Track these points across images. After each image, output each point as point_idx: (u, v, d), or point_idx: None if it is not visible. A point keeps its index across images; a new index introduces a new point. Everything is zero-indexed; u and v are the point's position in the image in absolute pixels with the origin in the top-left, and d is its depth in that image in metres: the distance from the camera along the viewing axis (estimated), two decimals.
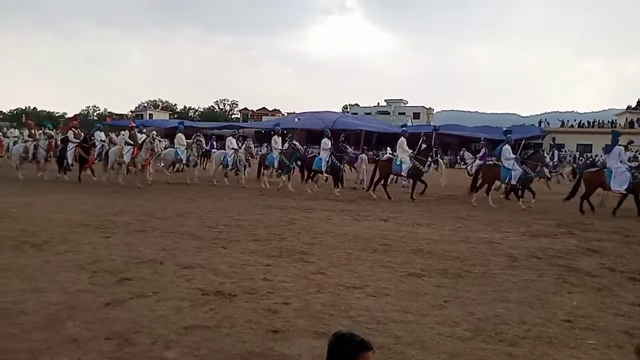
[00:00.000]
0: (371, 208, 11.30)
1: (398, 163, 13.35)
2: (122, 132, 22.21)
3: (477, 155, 21.07)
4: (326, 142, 14.44)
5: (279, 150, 15.08)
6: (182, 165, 17.11)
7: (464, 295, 4.69)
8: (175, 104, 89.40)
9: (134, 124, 16.26)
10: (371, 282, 5.02)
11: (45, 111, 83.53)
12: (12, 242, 6.17)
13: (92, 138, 15.19)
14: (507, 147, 12.53)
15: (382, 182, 13.84)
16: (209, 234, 7.31)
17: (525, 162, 12.56)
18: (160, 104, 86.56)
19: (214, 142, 22.85)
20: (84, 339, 3.39)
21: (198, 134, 17.16)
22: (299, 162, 15.51)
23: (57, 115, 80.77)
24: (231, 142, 16.31)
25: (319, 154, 15.37)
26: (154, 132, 15.24)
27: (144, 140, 14.41)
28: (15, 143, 18.69)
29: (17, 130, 21.75)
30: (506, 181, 12.63)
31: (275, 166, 15.16)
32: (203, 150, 17.62)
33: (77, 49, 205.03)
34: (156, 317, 3.86)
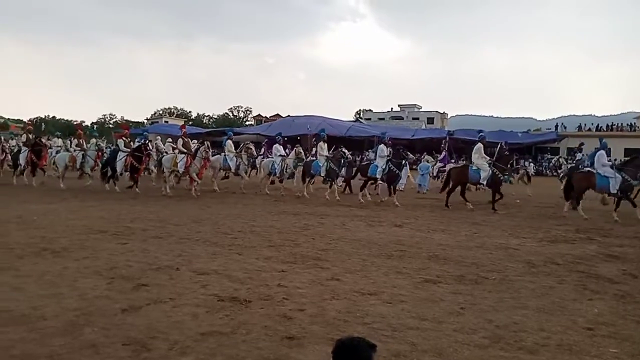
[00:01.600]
0: (385, 214, 11.24)
1: (475, 169, 12.64)
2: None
3: (438, 158, 20.65)
4: (382, 149, 13.76)
5: (326, 157, 14.44)
6: (227, 173, 16.50)
7: (481, 302, 4.63)
8: (190, 111, 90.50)
9: (185, 130, 15.51)
10: (386, 289, 4.98)
11: (63, 119, 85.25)
12: (33, 249, 6.29)
13: (148, 147, 14.69)
14: (602, 152, 11.53)
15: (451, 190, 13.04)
16: (224, 240, 7.35)
17: (623, 168, 11.44)
18: (175, 111, 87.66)
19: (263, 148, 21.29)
20: (102, 345, 3.43)
21: (247, 142, 16.56)
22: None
23: (74, 123, 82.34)
24: (278, 149, 15.59)
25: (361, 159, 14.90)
26: (208, 142, 14.62)
27: (198, 149, 13.92)
28: (58, 152, 18.34)
29: (60, 139, 21.33)
30: (605, 190, 11.51)
31: (323, 174, 14.46)
32: (254, 158, 16.96)
33: (96, 58, 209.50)
34: (172, 323, 3.89)
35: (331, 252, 6.76)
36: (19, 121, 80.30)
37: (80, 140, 16.04)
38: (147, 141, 15.61)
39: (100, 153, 15.42)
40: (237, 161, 15.52)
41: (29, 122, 24.37)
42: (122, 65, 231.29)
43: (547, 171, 36.72)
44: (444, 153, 17.80)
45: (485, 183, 12.62)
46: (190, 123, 74.50)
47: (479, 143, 13.00)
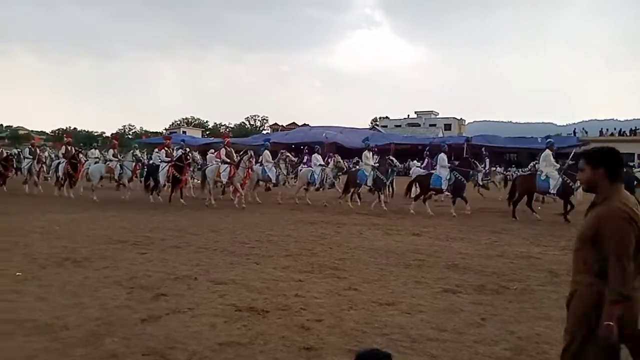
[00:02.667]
0: (403, 222, 11.16)
1: (543, 179, 11.87)
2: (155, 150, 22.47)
3: (422, 165, 18.69)
4: (443, 158, 13.02)
5: (371, 166, 14.01)
6: (269, 185, 15.85)
7: (503, 313, 4.54)
8: (207, 121, 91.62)
9: (229, 140, 15.01)
10: (405, 299, 4.93)
11: (84, 130, 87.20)
12: (55, 259, 6.41)
13: (188, 157, 14.20)
14: None
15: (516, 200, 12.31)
16: (242, 250, 7.38)
17: None
18: (192, 121, 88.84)
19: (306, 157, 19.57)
20: (122, 355, 3.46)
21: (283, 150, 16.07)
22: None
23: (95, 134, 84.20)
24: (317, 158, 15.10)
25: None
26: (252, 151, 14.25)
27: (242, 159, 13.56)
28: (97, 164, 17.93)
29: (97, 150, 20.95)
30: None
31: (369, 184, 13.96)
32: (294, 167, 16.40)
33: (115, 70, 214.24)
34: (191, 333, 3.91)
35: (348, 261, 6.73)
36: (42, 133, 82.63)
37: (116, 151, 15.66)
38: (187, 151, 15.09)
39: (138, 164, 15.10)
40: (276, 171, 14.96)
41: (69, 134, 24.54)
42: (140, 76, 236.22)
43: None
44: (426, 160, 17.36)
45: (554, 192, 11.84)
46: (207, 133, 75.51)
47: (547, 150, 12.26)
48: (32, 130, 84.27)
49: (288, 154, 15.71)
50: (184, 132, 66.62)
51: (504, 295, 5.14)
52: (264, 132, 79.49)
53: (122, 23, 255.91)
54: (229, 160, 13.69)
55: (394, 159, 14.31)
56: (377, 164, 14.12)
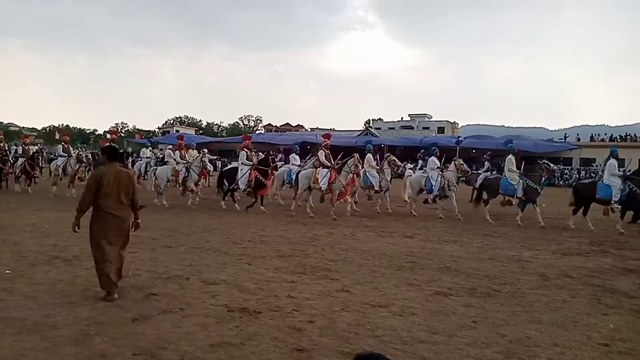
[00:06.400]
0: (395, 224, 11.18)
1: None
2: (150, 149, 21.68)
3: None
4: (613, 164, 11.19)
5: (519, 173, 11.91)
6: (371, 192, 13.86)
7: (494, 316, 4.56)
8: (200, 120, 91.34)
9: (328, 141, 12.96)
10: (397, 301, 4.94)
11: (77, 128, 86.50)
12: (45, 257, 6.35)
13: (275, 159, 12.83)
14: None
15: None
16: (234, 250, 7.35)
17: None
18: (185, 120, 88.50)
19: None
20: (113, 355, 3.43)
21: (389, 154, 14.48)
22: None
23: (87, 132, 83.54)
24: (434, 161, 13.18)
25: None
26: (357, 154, 12.44)
27: (345, 162, 11.96)
28: (148, 165, 16.79)
29: (149, 150, 19.72)
30: None
31: (519, 194, 11.74)
32: (399, 171, 14.88)
33: (108, 67, 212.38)
34: (182, 333, 3.88)
35: (341, 263, 6.73)
36: (33, 129, 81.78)
37: (182, 152, 14.38)
38: (274, 153, 13.79)
39: (205, 170, 13.77)
40: (380, 177, 13.42)
41: (114, 131, 23.00)
42: (134, 73, 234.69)
43: (560, 182, 36.35)
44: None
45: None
46: (200, 132, 75.16)
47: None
48: (23, 127, 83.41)
49: (394, 157, 14.14)
50: (177, 131, 66.23)
51: (495, 299, 5.17)
52: (258, 132, 79.35)
53: (117, 20, 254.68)
54: (329, 164, 12.19)
55: (550, 163, 12.03)
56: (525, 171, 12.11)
